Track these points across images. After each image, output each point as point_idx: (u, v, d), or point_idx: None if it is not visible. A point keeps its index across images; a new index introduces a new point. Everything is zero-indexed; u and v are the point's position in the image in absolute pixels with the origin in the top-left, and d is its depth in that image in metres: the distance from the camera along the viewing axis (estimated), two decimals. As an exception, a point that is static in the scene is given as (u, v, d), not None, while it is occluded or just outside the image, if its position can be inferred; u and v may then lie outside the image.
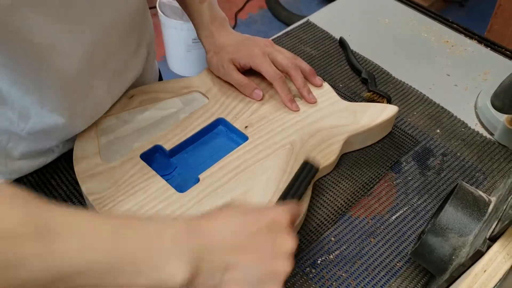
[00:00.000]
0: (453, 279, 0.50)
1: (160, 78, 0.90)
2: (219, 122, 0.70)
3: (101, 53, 0.61)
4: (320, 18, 0.96)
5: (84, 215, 0.39)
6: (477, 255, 0.47)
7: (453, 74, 0.86)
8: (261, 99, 0.72)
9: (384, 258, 0.61)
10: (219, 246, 0.42)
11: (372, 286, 0.59)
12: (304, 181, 0.58)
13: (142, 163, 0.63)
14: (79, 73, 0.59)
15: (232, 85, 0.74)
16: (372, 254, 0.62)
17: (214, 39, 0.74)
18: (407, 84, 0.84)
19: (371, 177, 0.69)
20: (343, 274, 0.60)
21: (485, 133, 0.77)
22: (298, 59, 0.74)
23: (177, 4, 1.54)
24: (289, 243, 0.44)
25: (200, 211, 0.58)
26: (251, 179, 0.62)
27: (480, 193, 0.57)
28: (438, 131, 0.77)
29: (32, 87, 0.56)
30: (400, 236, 0.64)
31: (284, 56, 0.72)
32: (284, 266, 0.43)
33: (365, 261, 0.61)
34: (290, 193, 0.57)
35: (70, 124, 0.62)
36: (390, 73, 0.85)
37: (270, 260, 0.43)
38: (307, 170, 0.59)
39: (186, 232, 0.41)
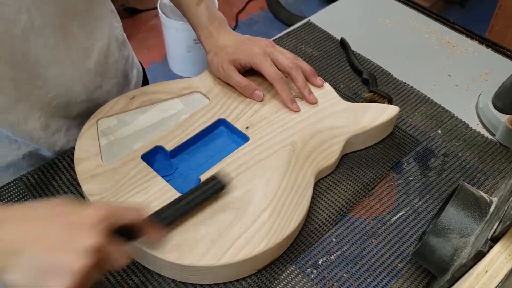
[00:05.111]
0: (455, 279, 0.50)
1: (145, 80, 0.90)
2: (220, 122, 0.70)
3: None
4: (321, 18, 0.96)
5: None
6: (479, 256, 0.47)
7: (454, 75, 0.86)
8: (262, 100, 0.72)
9: (386, 259, 0.61)
10: (10, 231, 0.43)
11: (373, 287, 0.59)
12: (198, 197, 0.57)
13: (143, 164, 0.63)
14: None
15: (233, 86, 0.74)
16: (374, 255, 0.62)
17: (214, 40, 0.74)
18: (408, 85, 0.83)
19: (372, 178, 0.69)
20: (345, 275, 0.60)
21: (486, 134, 0.77)
22: (299, 60, 0.74)
23: (178, 5, 1.54)
24: (88, 240, 0.43)
25: (201, 212, 0.59)
26: (252, 180, 0.62)
27: (482, 193, 0.57)
28: (439, 131, 0.77)
29: None
30: (401, 237, 0.63)
31: (285, 57, 0.72)
32: (74, 261, 0.42)
33: (366, 261, 0.61)
34: (177, 205, 0.56)
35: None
36: (391, 73, 0.85)
37: (59, 253, 0.42)
38: (209, 185, 0.58)
39: None
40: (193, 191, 0.57)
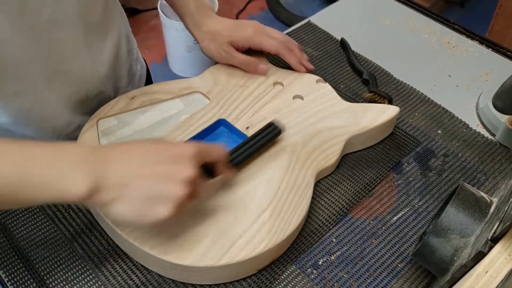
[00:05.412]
0: (455, 280, 0.50)
1: (148, 76, 0.90)
2: (220, 123, 0.70)
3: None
4: (321, 19, 0.96)
5: None
6: (479, 256, 0.47)
7: (454, 75, 0.86)
8: (265, 75, 0.75)
9: (386, 259, 0.61)
10: (119, 166, 0.47)
11: (374, 287, 0.59)
12: (260, 141, 0.64)
13: (143, 164, 0.63)
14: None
15: (233, 86, 0.74)
16: (374, 255, 0.62)
17: (204, 28, 0.76)
18: (408, 85, 0.83)
19: (373, 178, 0.69)
20: (345, 275, 0.60)
21: (486, 134, 0.77)
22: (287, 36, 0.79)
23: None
24: (186, 171, 0.48)
25: (201, 212, 0.59)
26: (252, 180, 0.62)
27: (482, 194, 0.57)
28: (439, 132, 0.77)
29: None
30: (401, 237, 0.63)
31: (277, 33, 0.77)
32: (177, 190, 0.48)
33: (367, 262, 0.61)
34: (242, 148, 0.62)
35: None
36: (391, 74, 0.85)
37: (163, 183, 0.47)
38: (268, 130, 0.65)
39: (88, 152, 0.47)
40: (255, 136, 0.64)
